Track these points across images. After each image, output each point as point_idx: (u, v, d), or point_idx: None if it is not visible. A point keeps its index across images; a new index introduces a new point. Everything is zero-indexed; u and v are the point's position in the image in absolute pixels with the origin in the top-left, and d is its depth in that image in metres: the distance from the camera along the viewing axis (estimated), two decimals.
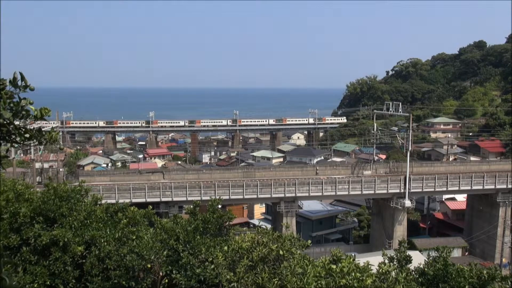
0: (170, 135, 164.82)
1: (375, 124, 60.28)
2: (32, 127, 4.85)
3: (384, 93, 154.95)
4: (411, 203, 53.11)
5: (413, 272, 9.02)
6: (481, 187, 53.00)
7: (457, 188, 53.46)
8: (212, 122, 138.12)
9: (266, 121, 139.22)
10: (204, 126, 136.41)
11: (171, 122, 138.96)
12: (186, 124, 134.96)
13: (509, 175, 52.58)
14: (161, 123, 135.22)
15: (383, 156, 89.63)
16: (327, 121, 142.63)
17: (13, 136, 4.65)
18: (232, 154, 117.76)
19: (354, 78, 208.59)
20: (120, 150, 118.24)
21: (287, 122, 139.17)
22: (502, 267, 47.05)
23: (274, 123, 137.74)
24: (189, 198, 46.16)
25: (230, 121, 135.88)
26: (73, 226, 11.04)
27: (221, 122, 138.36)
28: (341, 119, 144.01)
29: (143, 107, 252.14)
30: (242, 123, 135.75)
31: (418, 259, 10.93)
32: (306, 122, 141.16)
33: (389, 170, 56.52)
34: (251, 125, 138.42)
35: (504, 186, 52.66)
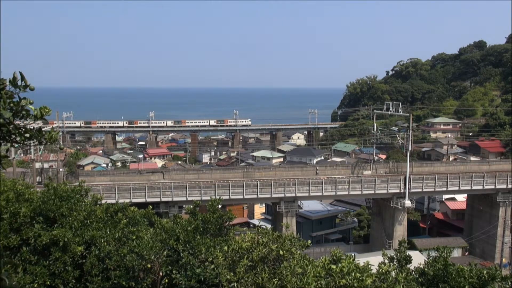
0: (170, 135, 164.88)
1: (375, 124, 60.28)
2: (32, 127, 4.85)
3: (384, 93, 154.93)
4: (411, 203, 53.12)
5: (413, 272, 9.01)
6: (481, 187, 53.00)
7: (457, 188, 53.45)
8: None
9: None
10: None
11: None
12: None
13: (509, 175, 52.57)
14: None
15: (383, 156, 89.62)
16: (229, 123, 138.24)
17: (13, 136, 4.65)
18: (232, 154, 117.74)
19: (354, 78, 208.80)
20: (120, 150, 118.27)
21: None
22: (502, 267, 47.08)
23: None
24: (189, 198, 46.17)
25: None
26: (73, 226, 11.03)
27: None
28: (246, 121, 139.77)
29: (143, 107, 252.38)
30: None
31: (418, 259, 10.92)
32: (207, 124, 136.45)
33: (389, 170, 56.53)
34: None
35: (504, 186, 52.66)
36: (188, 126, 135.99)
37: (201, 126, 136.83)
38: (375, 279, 7.61)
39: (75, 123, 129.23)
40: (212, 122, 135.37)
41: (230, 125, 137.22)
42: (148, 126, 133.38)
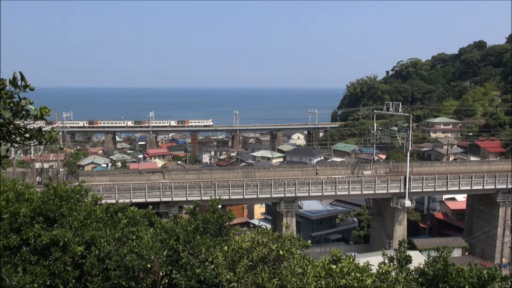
0: (170, 135, 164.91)
1: (375, 124, 60.29)
2: (32, 127, 4.86)
3: (384, 93, 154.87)
4: (411, 203, 53.10)
5: (413, 272, 9.01)
6: (481, 187, 52.99)
7: (457, 188, 53.44)
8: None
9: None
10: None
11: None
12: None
13: (509, 175, 52.56)
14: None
15: (383, 156, 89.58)
16: (191, 124, 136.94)
17: (13, 136, 4.65)
18: (232, 154, 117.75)
19: (354, 78, 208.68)
20: (120, 150, 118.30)
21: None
22: (502, 267, 47.08)
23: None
24: (189, 198, 46.16)
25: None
26: (73, 226, 11.03)
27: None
28: (208, 121, 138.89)
29: (143, 107, 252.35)
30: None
31: (418, 259, 10.93)
32: (167, 124, 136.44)
33: (389, 170, 56.52)
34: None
35: (504, 186, 52.65)
36: (149, 127, 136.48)
37: (162, 126, 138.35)
38: (375, 279, 7.61)
39: (38, 123, 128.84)
40: (173, 123, 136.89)
41: (191, 126, 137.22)
42: (109, 127, 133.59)
